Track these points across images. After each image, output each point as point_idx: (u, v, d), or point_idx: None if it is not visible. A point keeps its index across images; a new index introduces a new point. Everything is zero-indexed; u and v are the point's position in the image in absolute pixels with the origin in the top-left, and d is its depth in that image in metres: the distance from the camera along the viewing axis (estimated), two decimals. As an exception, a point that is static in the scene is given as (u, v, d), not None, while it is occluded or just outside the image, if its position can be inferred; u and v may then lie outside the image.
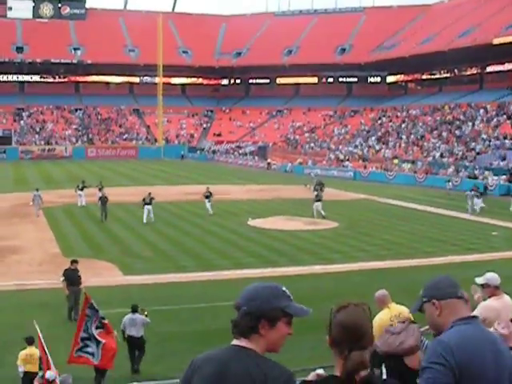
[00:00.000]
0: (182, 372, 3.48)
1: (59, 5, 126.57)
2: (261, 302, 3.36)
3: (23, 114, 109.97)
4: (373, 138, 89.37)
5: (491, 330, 5.67)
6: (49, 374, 12.65)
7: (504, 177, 58.76)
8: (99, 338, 15.15)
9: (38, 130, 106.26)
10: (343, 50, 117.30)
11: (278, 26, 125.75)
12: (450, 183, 56.07)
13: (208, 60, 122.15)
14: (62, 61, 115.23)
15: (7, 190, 55.54)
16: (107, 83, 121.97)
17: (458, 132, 77.79)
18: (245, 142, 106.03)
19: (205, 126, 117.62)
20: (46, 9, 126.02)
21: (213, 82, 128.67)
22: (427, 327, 4.30)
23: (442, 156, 72.34)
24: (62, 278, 20.97)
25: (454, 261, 29.31)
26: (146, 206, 39.92)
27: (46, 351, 13.34)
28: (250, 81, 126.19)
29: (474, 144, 71.82)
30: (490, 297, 7.80)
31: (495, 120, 76.48)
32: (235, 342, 3.40)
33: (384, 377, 4.29)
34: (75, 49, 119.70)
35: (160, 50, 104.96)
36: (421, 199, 52.29)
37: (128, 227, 38.66)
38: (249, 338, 3.36)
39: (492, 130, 73.78)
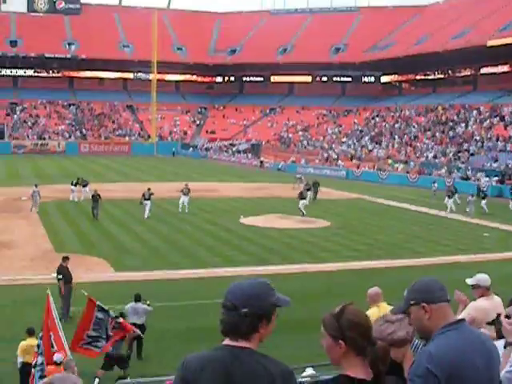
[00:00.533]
0: (177, 373, 3.38)
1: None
2: (260, 301, 3.33)
3: (16, 108, 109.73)
4: (366, 138, 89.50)
5: (482, 330, 5.69)
6: (56, 357, 12.74)
7: (496, 178, 59.00)
8: (112, 334, 15.34)
9: (31, 124, 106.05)
10: (338, 49, 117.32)
11: (273, 24, 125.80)
12: (435, 184, 56.01)
13: (202, 57, 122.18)
14: (56, 55, 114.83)
15: (-1, 184, 55.41)
16: (101, 79, 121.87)
17: (451, 133, 77.96)
18: (238, 139, 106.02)
19: (198, 123, 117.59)
20: (41, 3, 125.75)
21: (207, 79, 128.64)
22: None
23: (434, 157, 72.49)
24: (60, 277, 20.63)
25: (445, 261, 29.40)
26: (146, 202, 40.16)
27: (61, 333, 13.50)
28: (244, 78, 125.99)
29: (466, 145, 71.99)
30: (479, 297, 7.84)
31: (488, 121, 76.68)
32: (231, 342, 3.35)
33: None
34: (69, 44, 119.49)
35: (154, 46, 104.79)
36: (413, 199, 52.42)
37: (120, 223, 38.63)
38: (248, 339, 3.33)
39: (485, 132, 73.96)
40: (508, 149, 66.67)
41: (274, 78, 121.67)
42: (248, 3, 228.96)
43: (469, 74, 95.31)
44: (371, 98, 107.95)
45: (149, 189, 40.91)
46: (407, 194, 55.92)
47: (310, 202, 47.76)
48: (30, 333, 15.21)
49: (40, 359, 13.40)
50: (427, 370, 3.51)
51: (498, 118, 76.21)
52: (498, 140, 69.54)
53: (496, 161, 64.05)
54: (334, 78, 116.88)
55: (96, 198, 39.58)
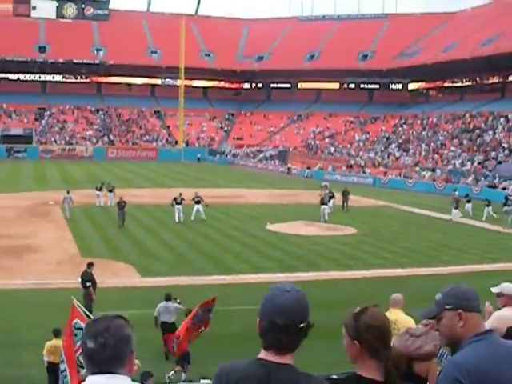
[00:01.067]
0: (214, 380, 3.20)
1: (83, 5, 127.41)
2: (308, 314, 3.20)
3: (45, 113, 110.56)
4: (393, 145, 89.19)
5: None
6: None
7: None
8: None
9: (58, 129, 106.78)
10: (365, 56, 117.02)
11: (301, 30, 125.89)
12: (456, 192, 55.52)
13: (230, 63, 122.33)
14: (85, 61, 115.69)
15: (27, 188, 55.77)
16: (129, 84, 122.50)
17: (478, 141, 77.47)
18: (265, 146, 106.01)
19: (226, 129, 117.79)
20: (70, 9, 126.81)
21: (234, 85, 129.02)
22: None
23: (462, 164, 72.07)
24: (89, 284, 20.63)
25: (471, 270, 29.19)
26: (177, 206, 40.67)
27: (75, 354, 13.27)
28: (272, 85, 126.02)
29: (494, 153, 71.51)
30: (504, 306, 7.76)
31: (516, 129, 76.16)
32: (273, 358, 3.13)
33: None
34: (98, 49, 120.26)
35: (182, 52, 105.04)
36: (440, 207, 52.09)
37: (147, 229, 38.74)
38: (292, 354, 3.16)
39: (513, 140, 73.47)
40: (536, 157, 66.18)
41: (301, 85, 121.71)
42: (276, 10, 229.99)
43: (497, 81, 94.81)
44: (398, 105, 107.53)
45: (180, 194, 41.34)
46: (434, 202, 55.57)
47: (341, 210, 48.09)
48: (56, 334, 15.32)
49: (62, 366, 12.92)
50: (455, 379, 3.47)
51: (526, 126, 75.72)
52: (526, 148, 69.09)
53: (524, 169, 63.59)
54: (362, 85, 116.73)
55: (121, 205, 39.23)
